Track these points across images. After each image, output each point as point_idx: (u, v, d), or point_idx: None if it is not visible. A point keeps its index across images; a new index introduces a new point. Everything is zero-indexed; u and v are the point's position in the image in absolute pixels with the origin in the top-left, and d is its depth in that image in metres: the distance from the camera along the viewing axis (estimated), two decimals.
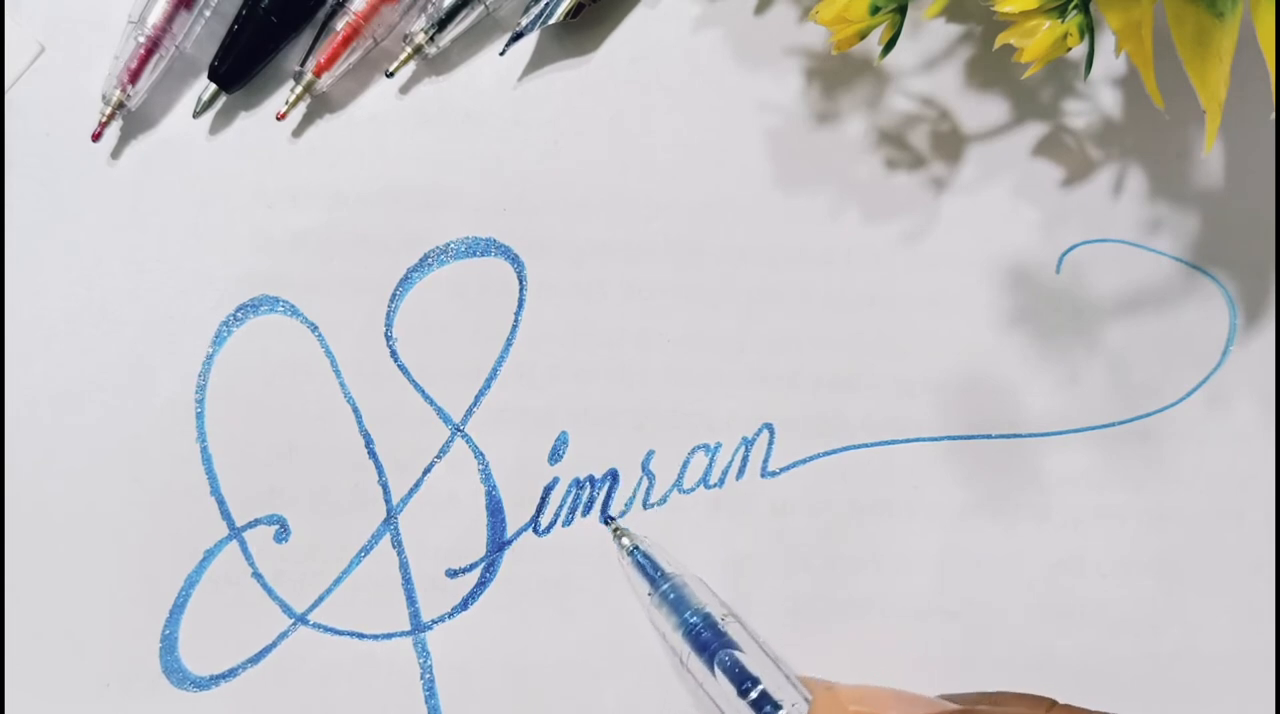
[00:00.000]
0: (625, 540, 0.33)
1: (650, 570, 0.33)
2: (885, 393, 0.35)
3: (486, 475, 0.34)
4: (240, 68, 0.35)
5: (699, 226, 0.35)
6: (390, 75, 0.35)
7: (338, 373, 0.35)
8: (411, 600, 0.34)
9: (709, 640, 0.30)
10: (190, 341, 0.35)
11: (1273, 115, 0.34)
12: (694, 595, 0.32)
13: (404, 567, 0.34)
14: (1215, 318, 0.35)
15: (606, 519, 0.34)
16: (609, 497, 0.34)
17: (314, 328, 0.35)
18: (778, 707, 0.29)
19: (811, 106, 0.36)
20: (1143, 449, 0.35)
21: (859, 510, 0.34)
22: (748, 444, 0.34)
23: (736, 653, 0.30)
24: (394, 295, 0.35)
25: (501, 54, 0.35)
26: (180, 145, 0.35)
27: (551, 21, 0.34)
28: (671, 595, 0.32)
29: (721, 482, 0.34)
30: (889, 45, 0.31)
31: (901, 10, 0.31)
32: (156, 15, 0.34)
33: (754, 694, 0.29)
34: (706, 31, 0.36)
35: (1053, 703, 0.26)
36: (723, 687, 0.30)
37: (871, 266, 0.35)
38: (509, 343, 0.35)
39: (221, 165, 0.35)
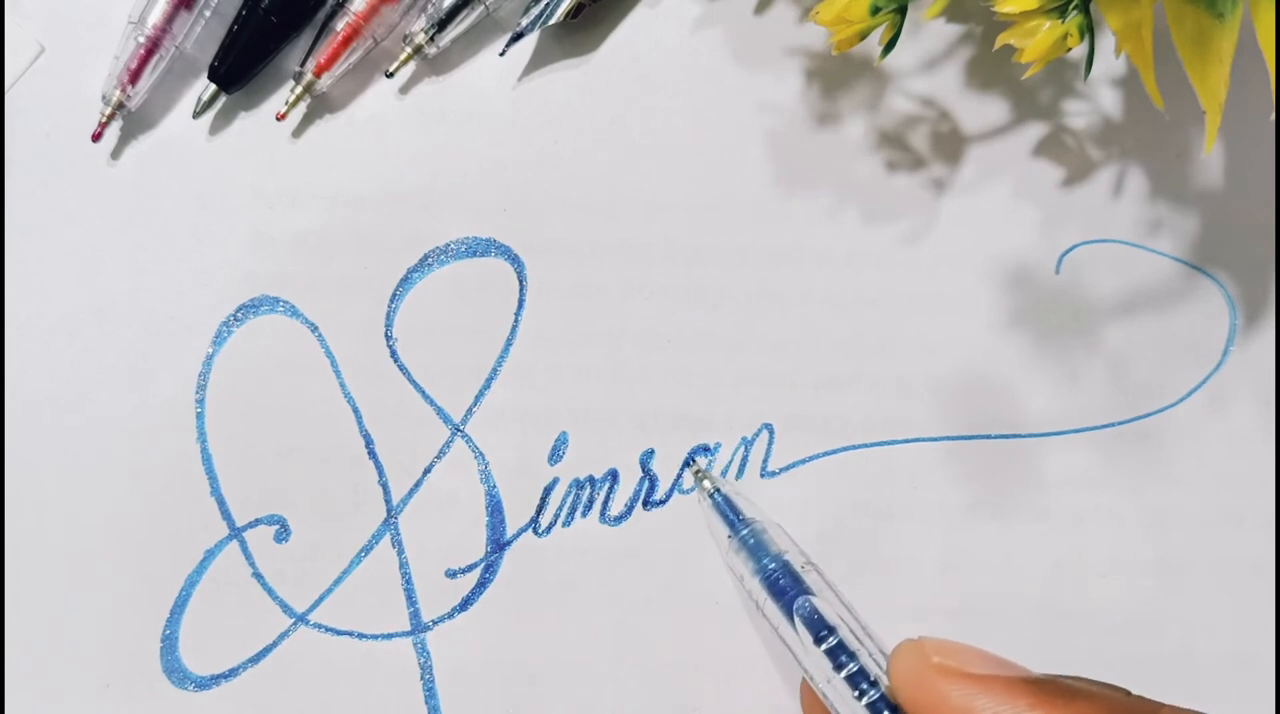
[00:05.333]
0: (706, 483, 0.33)
1: (730, 514, 0.32)
2: (885, 393, 0.35)
3: (486, 475, 0.34)
4: (240, 68, 0.35)
5: (699, 226, 0.35)
6: (390, 75, 0.35)
7: (338, 373, 0.35)
8: (411, 600, 0.34)
9: (787, 587, 0.30)
10: (190, 342, 0.35)
11: (1273, 115, 0.34)
12: (773, 541, 0.31)
13: (404, 567, 0.34)
14: (1215, 318, 0.35)
15: (689, 460, 0.34)
16: (609, 497, 0.34)
17: (314, 328, 0.35)
18: (853, 656, 0.28)
19: (811, 107, 0.36)
20: (1143, 449, 0.35)
21: (858, 511, 0.34)
22: (748, 444, 0.34)
23: (814, 600, 0.30)
24: (394, 295, 0.35)
25: (501, 54, 0.35)
26: (180, 145, 0.35)
27: (551, 22, 0.34)
28: (751, 541, 0.31)
29: None
30: (889, 46, 0.31)
31: (901, 10, 0.31)
32: (156, 15, 0.34)
33: (831, 642, 0.29)
34: (706, 31, 0.36)
35: (1127, 692, 0.26)
36: (800, 634, 0.29)
37: (871, 267, 0.35)
38: (509, 343, 0.35)
39: (221, 166, 0.35)
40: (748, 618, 0.33)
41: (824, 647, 0.29)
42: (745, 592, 0.32)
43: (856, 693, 0.28)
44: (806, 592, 0.30)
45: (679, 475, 0.34)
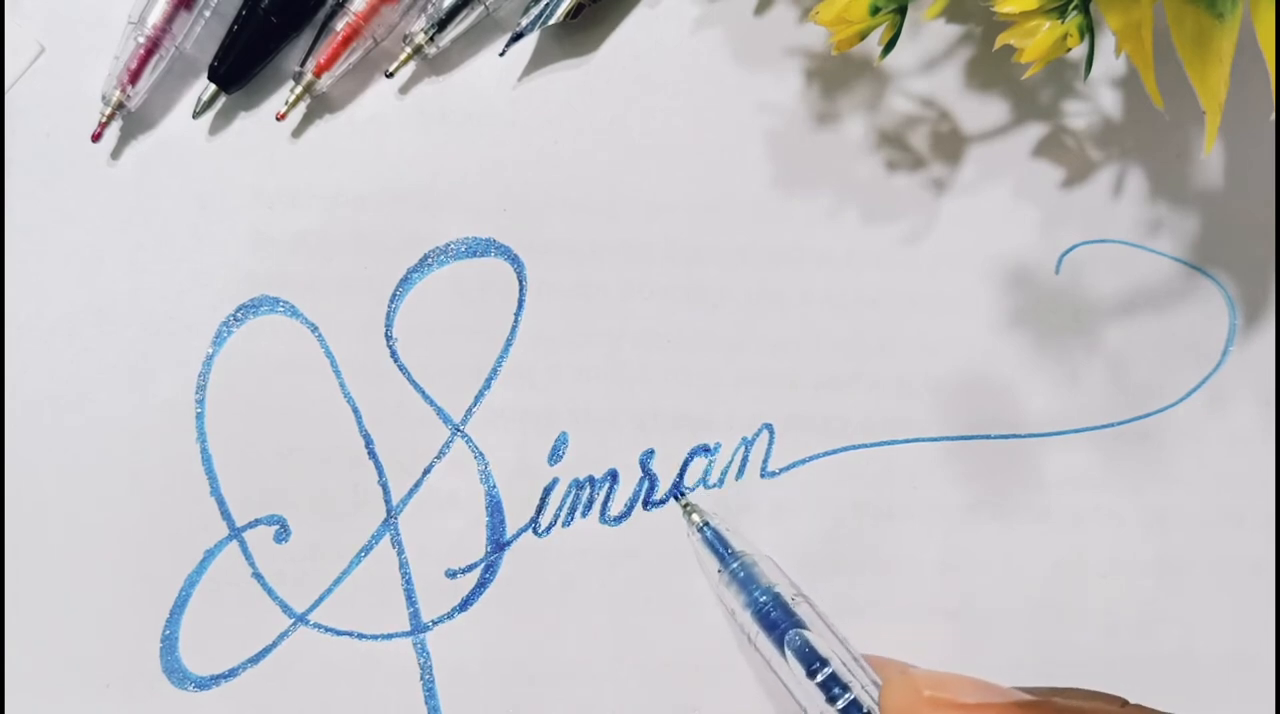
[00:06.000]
0: (695, 516, 0.33)
1: (720, 547, 0.32)
2: (885, 393, 0.35)
3: (486, 476, 0.34)
4: (240, 68, 0.35)
5: (699, 226, 0.35)
6: (390, 75, 0.35)
7: (338, 373, 0.35)
8: (411, 600, 0.34)
9: (778, 620, 0.30)
10: (190, 342, 0.35)
11: (1273, 115, 0.34)
12: (764, 574, 0.31)
13: (404, 567, 0.34)
14: (1215, 318, 0.35)
15: (678, 494, 0.34)
16: (609, 497, 0.34)
17: (314, 328, 0.35)
18: (846, 688, 0.29)
19: (811, 107, 0.36)
20: (1143, 449, 0.35)
21: (859, 511, 0.34)
22: (748, 444, 0.34)
23: (806, 633, 0.30)
24: (394, 295, 0.35)
25: (501, 54, 0.35)
26: (180, 146, 0.35)
27: (551, 22, 0.34)
28: (741, 574, 0.31)
29: (721, 482, 0.34)
30: (889, 46, 0.31)
31: (901, 11, 0.31)
32: (156, 15, 0.34)
33: (823, 675, 0.29)
34: (706, 31, 0.36)
35: (1124, 701, 0.26)
36: (791, 667, 0.29)
37: (871, 267, 0.35)
38: (509, 343, 0.35)
39: (221, 166, 0.35)
40: (740, 645, 0.33)
41: (817, 679, 0.29)
42: (737, 625, 0.32)
43: None
44: (798, 624, 0.30)
45: (679, 476, 0.34)
